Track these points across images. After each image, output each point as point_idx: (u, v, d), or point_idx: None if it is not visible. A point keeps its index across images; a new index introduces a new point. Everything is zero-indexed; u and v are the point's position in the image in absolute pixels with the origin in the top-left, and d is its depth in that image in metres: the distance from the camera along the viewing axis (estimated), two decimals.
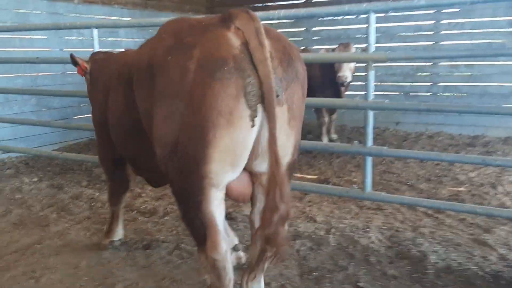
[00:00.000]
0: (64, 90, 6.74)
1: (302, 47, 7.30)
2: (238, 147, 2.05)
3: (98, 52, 3.80)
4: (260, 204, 2.35)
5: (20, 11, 6.76)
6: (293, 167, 2.33)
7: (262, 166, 2.20)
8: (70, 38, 7.42)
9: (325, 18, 8.55)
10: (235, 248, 3.13)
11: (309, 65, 5.75)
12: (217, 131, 2.00)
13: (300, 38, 8.90)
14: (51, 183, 5.35)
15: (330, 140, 7.16)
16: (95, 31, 4.58)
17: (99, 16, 7.79)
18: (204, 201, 2.15)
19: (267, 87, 1.98)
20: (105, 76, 3.17)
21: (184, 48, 2.08)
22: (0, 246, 3.66)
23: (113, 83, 2.96)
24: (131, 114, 2.61)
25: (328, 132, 7.16)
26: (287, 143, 2.19)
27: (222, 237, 2.23)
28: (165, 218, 4.19)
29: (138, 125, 2.53)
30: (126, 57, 2.96)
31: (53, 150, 6.50)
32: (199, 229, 2.22)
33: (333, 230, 3.89)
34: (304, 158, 6.19)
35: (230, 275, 2.27)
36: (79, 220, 4.19)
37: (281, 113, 2.08)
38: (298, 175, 5.62)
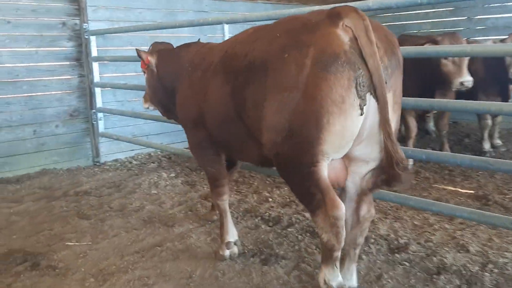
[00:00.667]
0: None
1: (464, 38, 6.31)
2: (347, 132, 2.27)
3: (157, 43, 3.96)
4: (351, 192, 2.60)
5: (169, 10, 7.05)
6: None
7: (363, 151, 2.42)
8: (214, 35, 7.51)
9: (491, 5, 7.35)
10: (235, 243, 3.43)
11: (471, 60, 5.03)
12: (330, 117, 2.23)
13: (460, 28, 7.79)
14: (186, 180, 5.41)
15: (493, 146, 6.08)
16: (226, 27, 4.42)
17: (242, 13, 7.75)
18: (317, 171, 2.38)
19: (378, 78, 2.20)
20: (195, 67, 3.25)
21: (299, 46, 2.30)
22: (125, 244, 3.69)
23: (209, 75, 3.01)
24: (228, 102, 2.76)
25: (491, 137, 6.09)
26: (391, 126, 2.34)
27: (337, 197, 2.42)
28: (289, 229, 3.84)
29: (232, 113, 2.75)
30: (223, 50, 2.97)
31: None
32: (315, 195, 2.41)
33: (490, 265, 3.13)
34: (458, 167, 5.30)
35: (344, 232, 2.45)
36: (203, 222, 4.08)
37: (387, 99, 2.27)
38: (450, 187, 4.81)
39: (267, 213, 4.19)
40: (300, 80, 2.27)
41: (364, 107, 2.23)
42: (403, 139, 6.63)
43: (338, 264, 2.55)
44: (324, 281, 2.58)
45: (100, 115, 6.32)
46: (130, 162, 6.37)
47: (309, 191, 2.44)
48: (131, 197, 4.85)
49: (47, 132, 6.03)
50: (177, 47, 3.73)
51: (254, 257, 3.37)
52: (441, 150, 5.83)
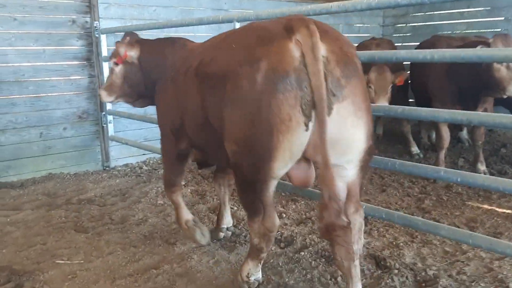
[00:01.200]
0: None
1: None
2: (294, 147, 2.33)
3: (137, 37, 3.88)
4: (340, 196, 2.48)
5: (185, 8, 6.71)
6: (370, 152, 2.47)
7: (337, 159, 2.35)
8: None
9: None
10: (228, 229, 3.80)
11: None
12: (279, 136, 2.28)
13: (498, 29, 7.18)
14: (196, 189, 5.05)
15: None
16: (237, 25, 4.03)
17: (254, 10, 7.34)
18: (265, 189, 2.56)
19: (319, 97, 2.19)
20: (177, 71, 3.18)
21: (252, 61, 2.32)
22: (119, 264, 3.35)
23: (187, 79, 2.94)
24: (202, 109, 2.78)
25: None
26: (357, 132, 2.34)
27: (275, 212, 2.72)
28: (302, 252, 3.42)
29: (206, 120, 2.76)
30: (201, 54, 2.92)
31: None
32: (257, 207, 2.64)
33: None
34: None
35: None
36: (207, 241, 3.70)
37: (343, 108, 2.27)
38: (486, 206, 4.31)
39: (279, 232, 3.78)
40: (253, 95, 2.32)
41: (309, 123, 2.26)
42: (433, 148, 6.13)
43: (261, 263, 2.93)
44: (247, 274, 2.91)
45: (110, 117, 6.02)
46: (141, 168, 6.06)
47: (254, 203, 2.65)
48: (135, 207, 4.51)
49: (54, 135, 5.76)
50: (161, 40, 3.82)
51: (260, 287, 2.97)
52: (475, 162, 5.31)
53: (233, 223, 3.93)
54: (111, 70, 3.87)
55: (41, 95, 5.65)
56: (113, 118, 6.06)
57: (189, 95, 2.92)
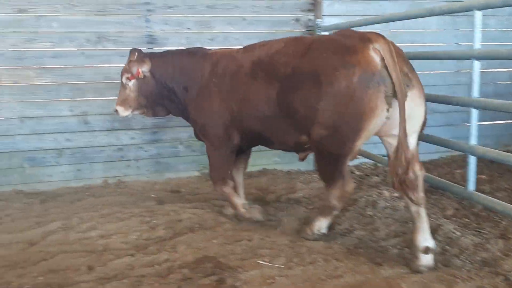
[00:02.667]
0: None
1: None
2: (375, 128, 3.17)
3: (142, 52, 4.14)
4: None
5: (416, 1, 6.09)
6: (424, 124, 3.24)
7: (394, 131, 3.12)
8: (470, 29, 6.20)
9: None
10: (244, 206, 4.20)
11: None
12: (368, 120, 3.09)
13: None
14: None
15: None
16: (479, 14, 3.32)
17: None
18: (346, 161, 3.35)
19: (399, 88, 2.99)
20: (221, 76, 3.83)
21: (348, 66, 3.08)
22: (319, 277, 3.07)
23: (243, 78, 3.65)
24: (273, 102, 3.47)
25: None
26: (421, 109, 3.17)
27: (351, 178, 3.51)
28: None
29: (276, 110, 3.48)
30: (253, 56, 3.68)
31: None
32: (337, 177, 3.36)
33: None
34: None
35: None
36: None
37: (412, 94, 3.08)
38: None
39: None
40: (349, 92, 3.06)
41: (390, 109, 3.06)
42: None
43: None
44: (318, 229, 3.65)
45: None
46: (352, 172, 5.74)
47: (334, 173, 3.34)
48: (342, 215, 4.20)
49: None
50: (172, 52, 4.29)
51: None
52: None
53: None
54: (124, 86, 4.15)
55: None
56: None
57: (251, 92, 3.58)
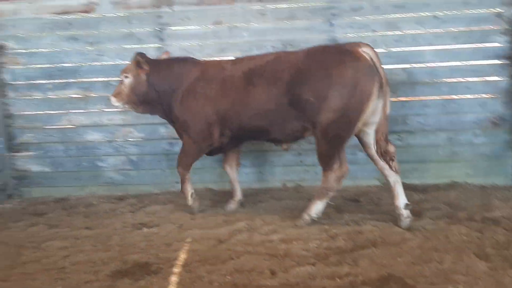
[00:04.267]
0: None
1: None
2: (370, 112, 3.99)
3: (146, 57, 4.72)
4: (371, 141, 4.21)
5: None
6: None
7: (375, 118, 4.07)
8: None
9: None
10: (240, 200, 5.03)
11: None
12: (367, 102, 3.92)
13: None
14: None
15: None
16: None
17: None
18: (344, 143, 4.12)
19: (385, 80, 3.98)
20: (209, 81, 4.54)
21: (352, 61, 3.96)
22: None
23: (239, 85, 4.38)
24: (280, 98, 4.20)
25: None
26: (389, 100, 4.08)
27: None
28: None
29: (284, 104, 4.20)
30: (247, 66, 4.44)
31: None
32: (335, 158, 4.10)
33: None
34: None
35: None
36: None
37: (387, 87, 4.03)
38: None
39: None
40: (354, 80, 3.90)
41: (380, 95, 3.98)
42: None
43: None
44: (316, 212, 4.24)
45: None
46: None
47: (334, 155, 4.09)
48: None
49: (463, 141, 5.35)
50: (168, 59, 4.91)
51: None
52: None
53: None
54: (121, 82, 4.72)
55: (454, 97, 5.31)
56: None
57: (250, 95, 4.28)
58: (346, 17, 5.35)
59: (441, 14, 5.19)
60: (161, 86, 4.66)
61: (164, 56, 5.02)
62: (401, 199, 4.15)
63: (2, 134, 5.83)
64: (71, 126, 5.83)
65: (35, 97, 5.81)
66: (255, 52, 5.34)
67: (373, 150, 4.18)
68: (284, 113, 4.20)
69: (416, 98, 5.36)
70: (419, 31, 5.27)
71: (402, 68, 5.33)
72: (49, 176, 5.93)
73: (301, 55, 4.23)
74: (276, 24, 5.45)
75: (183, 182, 4.78)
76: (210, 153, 4.86)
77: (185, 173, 4.75)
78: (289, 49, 5.40)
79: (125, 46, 5.61)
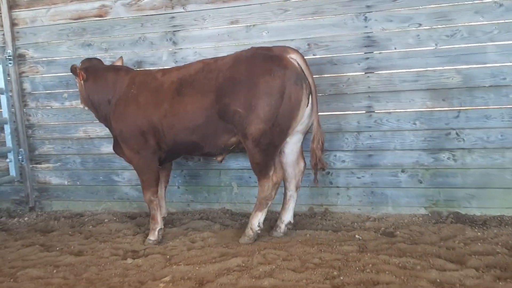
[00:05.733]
0: None
1: None
2: (301, 120, 3.88)
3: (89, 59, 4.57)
4: (290, 153, 4.16)
5: None
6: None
7: (300, 127, 3.97)
8: None
9: None
10: (164, 218, 4.58)
11: None
12: (297, 110, 3.78)
13: None
14: None
15: None
16: None
17: None
18: (278, 150, 3.93)
19: (314, 88, 3.85)
20: (140, 90, 4.18)
21: (278, 69, 3.72)
22: None
23: (169, 96, 4.03)
24: (208, 109, 3.89)
25: None
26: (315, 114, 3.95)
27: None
28: None
29: (212, 117, 3.90)
30: (176, 77, 4.09)
31: None
32: (271, 165, 3.90)
33: None
34: None
35: None
36: None
37: (315, 96, 3.91)
38: None
39: None
40: (282, 89, 3.69)
41: (308, 104, 3.86)
42: None
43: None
44: (258, 224, 4.05)
45: None
46: None
47: (268, 163, 3.89)
48: None
49: None
50: (105, 68, 4.47)
51: None
52: None
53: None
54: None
55: None
56: None
57: (180, 106, 3.96)
58: (383, 9, 4.38)
59: (506, 1, 4.04)
60: (95, 95, 4.36)
61: (118, 63, 4.65)
62: (289, 215, 4.24)
63: (23, 145, 5.68)
64: (88, 137, 5.51)
65: (53, 106, 5.58)
66: None
67: (284, 157, 4.13)
68: (215, 125, 3.92)
69: (475, 107, 4.25)
70: (477, 23, 4.16)
71: (455, 70, 4.25)
72: (67, 189, 5.66)
73: (230, 61, 3.91)
74: (300, 21, 4.64)
75: (151, 209, 4.32)
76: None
77: (153, 199, 4.29)
78: (315, 50, 4.58)
79: (137, 51, 5.15)
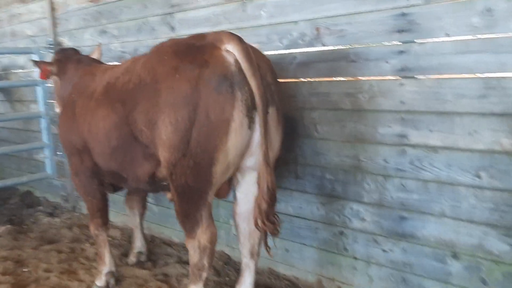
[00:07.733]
0: None
1: None
2: (238, 149, 2.38)
3: (63, 49, 3.79)
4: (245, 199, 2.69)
5: None
6: (279, 158, 2.67)
7: (251, 161, 2.51)
8: None
9: None
10: (142, 253, 3.78)
11: None
12: (222, 135, 2.30)
13: None
14: None
15: None
16: None
17: None
18: (204, 198, 2.47)
19: (259, 96, 2.30)
20: (79, 95, 3.14)
21: (190, 67, 2.33)
22: None
23: (92, 105, 2.91)
24: (121, 128, 2.68)
25: None
26: (277, 138, 2.55)
27: (213, 222, 2.57)
28: None
29: (127, 138, 2.67)
30: (105, 80, 2.92)
31: None
32: (196, 219, 2.49)
33: None
34: None
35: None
36: None
37: (273, 112, 2.45)
38: None
39: None
40: (193, 99, 2.31)
41: (252, 124, 2.36)
42: None
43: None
44: None
45: None
46: None
47: (190, 215, 2.51)
48: None
49: None
50: (70, 60, 3.53)
51: None
52: None
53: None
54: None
55: None
56: None
57: (97, 121, 2.83)
58: None
59: None
60: (63, 94, 3.47)
61: (95, 54, 3.69)
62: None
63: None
64: None
65: None
66: (276, 44, 3.10)
67: (239, 207, 2.75)
68: (132, 150, 2.73)
69: None
70: None
71: None
72: None
73: (143, 58, 2.70)
74: None
75: (97, 245, 3.43)
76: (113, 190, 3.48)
77: (98, 232, 3.37)
78: (326, 37, 2.88)
79: (141, 38, 4.15)
